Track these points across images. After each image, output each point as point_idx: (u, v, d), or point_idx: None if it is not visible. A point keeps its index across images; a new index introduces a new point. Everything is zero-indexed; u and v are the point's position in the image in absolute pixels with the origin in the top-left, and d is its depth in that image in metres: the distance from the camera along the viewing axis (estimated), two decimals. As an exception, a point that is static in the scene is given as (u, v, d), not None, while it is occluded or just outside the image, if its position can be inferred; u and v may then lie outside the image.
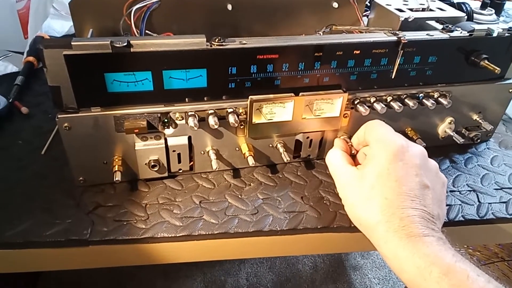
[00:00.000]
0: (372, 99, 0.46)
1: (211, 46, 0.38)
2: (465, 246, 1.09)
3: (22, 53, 0.69)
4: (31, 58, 0.66)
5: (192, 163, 0.45)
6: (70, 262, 0.41)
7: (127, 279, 1.16)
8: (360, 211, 0.37)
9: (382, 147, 0.38)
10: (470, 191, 0.47)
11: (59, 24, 0.77)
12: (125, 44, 0.35)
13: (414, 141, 0.49)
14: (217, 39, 0.38)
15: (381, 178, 0.36)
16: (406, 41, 0.42)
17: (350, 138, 0.45)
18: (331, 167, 0.41)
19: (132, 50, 0.36)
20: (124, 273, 1.17)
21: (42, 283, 1.11)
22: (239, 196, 0.44)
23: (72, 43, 0.35)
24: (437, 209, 0.36)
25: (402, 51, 0.43)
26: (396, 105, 0.46)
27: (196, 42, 0.38)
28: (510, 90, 0.51)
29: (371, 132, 0.40)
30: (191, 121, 0.40)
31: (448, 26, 0.46)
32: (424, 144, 0.48)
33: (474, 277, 0.29)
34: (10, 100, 0.57)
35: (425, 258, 0.31)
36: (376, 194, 0.36)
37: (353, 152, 0.43)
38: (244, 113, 0.43)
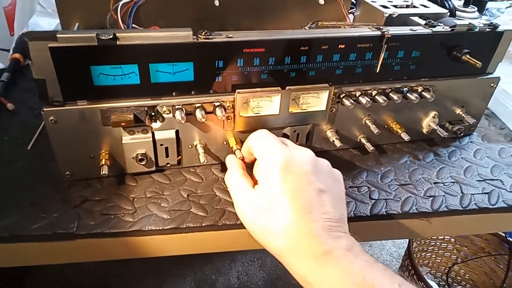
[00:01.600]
0: (358, 93, 0.46)
1: (197, 39, 0.38)
2: (453, 240, 1.11)
3: (8, 50, 0.68)
4: (17, 55, 0.66)
5: (180, 157, 0.46)
6: (57, 256, 0.41)
7: (115, 278, 1.15)
8: (264, 236, 0.35)
9: (268, 163, 0.36)
10: (453, 182, 0.48)
11: (46, 22, 0.77)
12: (111, 36, 0.35)
13: (399, 135, 0.50)
14: (203, 33, 0.39)
15: (276, 198, 0.34)
16: (389, 36, 0.43)
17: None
18: (230, 191, 0.39)
19: (118, 43, 0.36)
20: (112, 273, 1.16)
21: (28, 284, 1.09)
22: (227, 189, 0.44)
23: (58, 35, 0.35)
24: (339, 210, 0.35)
25: (386, 45, 0.44)
26: (380, 99, 0.46)
27: (182, 35, 0.38)
28: (492, 85, 0.52)
29: (255, 148, 0.38)
30: (178, 115, 0.41)
31: (430, 21, 0.47)
32: (409, 137, 0.49)
33: None
34: (-4, 97, 0.56)
35: (334, 281, 0.30)
36: (274, 216, 0.34)
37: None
38: (231, 106, 0.43)
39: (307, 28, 0.53)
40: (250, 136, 0.40)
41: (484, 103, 0.54)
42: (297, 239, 0.32)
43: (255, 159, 0.39)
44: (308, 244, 0.32)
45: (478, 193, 0.47)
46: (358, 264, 0.31)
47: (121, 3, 0.46)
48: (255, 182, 0.38)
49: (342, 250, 0.31)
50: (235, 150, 0.44)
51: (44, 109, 0.38)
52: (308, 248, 0.32)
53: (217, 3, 0.51)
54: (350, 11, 0.59)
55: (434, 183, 0.48)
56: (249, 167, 0.40)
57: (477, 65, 0.46)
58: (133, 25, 0.48)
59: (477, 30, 0.47)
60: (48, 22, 0.77)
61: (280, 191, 0.34)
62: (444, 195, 0.46)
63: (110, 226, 0.39)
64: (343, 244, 0.32)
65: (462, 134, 0.54)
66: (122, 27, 0.47)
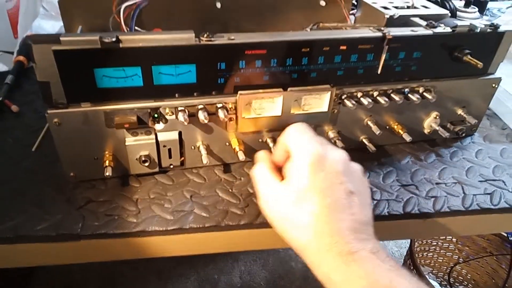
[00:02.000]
0: (359, 94, 0.47)
1: (199, 41, 0.39)
2: (455, 240, 1.11)
3: (12, 53, 0.69)
4: (21, 58, 0.66)
5: (183, 158, 0.46)
6: (61, 257, 0.41)
7: (119, 278, 1.16)
8: (288, 231, 0.34)
9: (301, 158, 0.35)
10: (455, 183, 0.48)
11: (49, 24, 0.77)
12: (114, 39, 0.36)
13: (401, 135, 0.50)
14: (205, 35, 0.39)
15: (304, 193, 0.33)
16: (391, 37, 0.43)
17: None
18: (256, 184, 0.38)
19: (121, 45, 0.36)
20: (116, 272, 1.16)
21: (33, 283, 1.10)
22: (230, 190, 0.45)
23: (61, 38, 0.35)
24: (366, 213, 0.34)
25: (387, 46, 0.44)
26: (382, 100, 0.47)
27: (185, 37, 0.38)
28: (493, 85, 0.52)
29: (290, 141, 0.37)
30: (181, 116, 0.41)
31: (431, 22, 0.47)
32: (411, 138, 0.49)
33: None
34: (1, 99, 0.57)
35: (360, 282, 0.30)
36: (301, 211, 0.33)
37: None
38: (233, 108, 0.43)
39: (309, 30, 0.53)
40: (287, 129, 0.38)
41: (486, 103, 0.54)
42: (323, 236, 0.32)
43: (286, 160, 0.38)
44: (334, 242, 0.31)
45: (480, 194, 0.47)
46: (384, 267, 0.30)
47: (123, 6, 0.47)
48: (282, 178, 0.37)
49: (368, 252, 0.31)
50: (237, 152, 0.45)
51: (48, 112, 0.38)
52: (334, 246, 0.31)
53: (219, 5, 0.51)
54: (351, 12, 0.59)
55: (436, 183, 0.48)
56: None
57: (479, 65, 0.46)
58: (136, 27, 0.48)
59: (478, 30, 0.47)
60: (51, 24, 0.77)
61: (310, 187, 0.33)
62: (446, 196, 0.46)
63: (114, 227, 0.40)
64: (369, 247, 0.32)
65: (463, 134, 0.54)
66: (125, 30, 0.47)
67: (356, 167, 0.38)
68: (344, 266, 0.31)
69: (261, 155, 0.41)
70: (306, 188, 0.34)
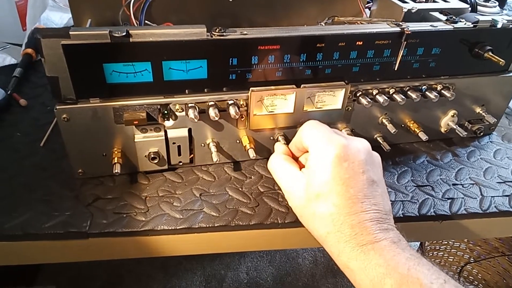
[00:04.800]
0: (375, 91, 0.45)
1: (211, 36, 0.38)
2: (466, 240, 1.09)
3: (20, 45, 0.68)
4: (29, 50, 0.66)
5: (192, 155, 0.45)
6: (69, 254, 0.40)
7: (126, 273, 1.16)
8: (309, 221, 0.35)
9: (323, 150, 0.35)
10: (472, 184, 0.47)
11: (58, 16, 0.76)
12: (124, 34, 0.35)
13: (417, 134, 0.48)
14: (217, 30, 0.38)
15: (327, 184, 0.33)
16: (409, 32, 0.42)
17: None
18: (274, 173, 0.39)
19: (131, 40, 0.35)
20: (123, 267, 1.17)
21: (41, 278, 1.11)
22: (240, 189, 0.44)
23: (70, 33, 0.34)
24: (387, 202, 0.34)
25: (405, 42, 0.42)
26: (399, 98, 0.45)
27: (196, 32, 0.37)
28: (514, 83, 0.50)
29: (307, 138, 0.37)
30: (191, 113, 0.40)
31: (452, 17, 0.45)
32: (427, 137, 0.48)
33: (428, 285, 0.28)
34: (9, 92, 0.56)
35: (378, 269, 0.30)
36: (323, 201, 0.33)
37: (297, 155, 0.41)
38: (245, 105, 0.42)
39: (323, 24, 0.51)
40: (302, 128, 0.38)
41: (506, 102, 0.52)
42: (345, 227, 0.32)
43: (302, 155, 0.39)
44: (356, 233, 0.32)
45: (498, 196, 0.45)
46: (404, 256, 0.30)
47: (133, -2, 0.46)
48: (300, 167, 0.38)
49: (389, 241, 0.31)
50: (248, 149, 0.44)
51: (57, 107, 0.38)
52: (355, 237, 0.31)
53: (230, -2, 0.50)
54: (366, 5, 0.57)
55: (453, 184, 0.46)
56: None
57: (500, 63, 0.44)
58: (146, 21, 0.47)
59: (500, 26, 0.45)
60: (60, 16, 0.76)
61: (333, 177, 0.33)
62: (463, 198, 0.45)
63: (123, 225, 0.39)
64: (390, 237, 0.32)
65: (481, 133, 0.53)
66: (135, 23, 0.46)
67: (377, 156, 0.38)
68: (363, 255, 0.31)
69: (277, 146, 0.42)
70: (329, 178, 0.33)
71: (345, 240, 0.32)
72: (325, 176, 0.34)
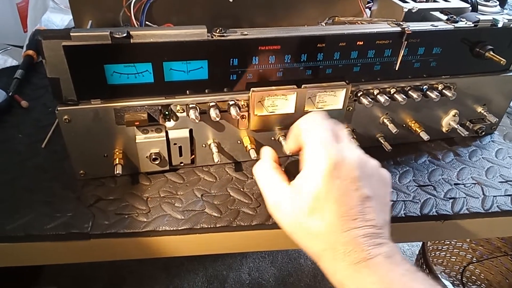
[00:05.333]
0: (376, 91, 0.45)
1: (212, 37, 0.38)
2: (468, 240, 1.09)
3: (21, 47, 0.68)
4: (30, 52, 0.66)
5: (193, 156, 0.45)
6: (71, 255, 0.40)
7: (128, 274, 1.16)
8: (302, 239, 0.33)
9: (316, 162, 0.33)
10: (474, 184, 0.46)
11: (59, 18, 0.77)
12: (124, 35, 0.35)
13: (418, 134, 0.48)
14: (218, 30, 0.38)
15: (318, 201, 0.32)
16: (410, 32, 0.42)
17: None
18: (259, 183, 0.37)
19: (132, 41, 0.35)
20: (125, 268, 1.17)
21: (42, 279, 1.11)
22: (241, 190, 0.44)
23: (71, 34, 0.34)
24: (382, 216, 0.33)
25: (406, 42, 0.42)
26: (400, 97, 0.45)
27: (197, 33, 0.37)
28: (516, 82, 0.50)
29: (307, 135, 0.35)
30: (192, 114, 0.40)
31: (452, 16, 0.45)
32: (428, 137, 0.48)
33: None
34: (10, 94, 0.57)
35: None
36: (315, 219, 0.32)
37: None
38: (245, 105, 0.42)
39: (324, 24, 0.51)
40: (302, 119, 0.36)
41: (507, 101, 0.52)
42: (337, 245, 0.31)
43: (299, 150, 0.36)
44: (349, 250, 0.31)
45: (500, 195, 0.45)
46: (399, 272, 0.30)
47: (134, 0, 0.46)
48: (288, 178, 0.36)
49: (383, 257, 0.30)
50: (249, 150, 0.44)
51: (58, 108, 0.38)
52: (349, 254, 0.31)
53: (231, -1, 0.50)
54: (367, 5, 0.57)
55: (455, 184, 0.46)
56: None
57: (502, 62, 0.44)
58: (146, 22, 0.47)
59: (500, 25, 0.45)
60: (60, 18, 0.77)
61: (324, 195, 0.32)
62: (465, 197, 0.45)
63: (124, 226, 0.39)
64: (384, 251, 0.31)
65: (483, 133, 0.53)
66: (135, 24, 0.46)
67: (374, 164, 0.36)
68: (358, 274, 0.30)
69: (264, 151, 0.39)
70: (320, 196, 0.32)
71: (339, 259, 0.31)
72: (315, 193, 0.32)
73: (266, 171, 0.37)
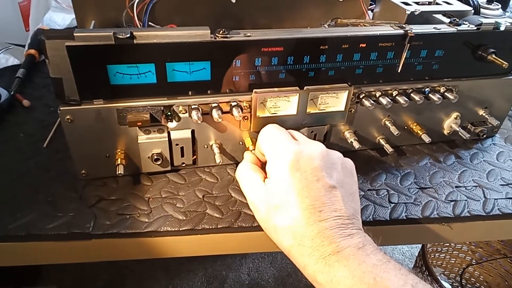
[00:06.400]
0: (378, 93, 0.45)
1: (215, 38, 0.38)
2: (468, 242, 1.09)
3: (23, 46, 0.68)
4: (32, 51, 0.66)
5: (195, 157, 0.45)
6: (72, 255, 0.40)
7: (128, 273, 1.16)
8: (272, 235, 0.34)
9: (276, 159, 0.34)
10: (475, 186, 0.46)
11: (61, 17, 0.77)
12: (128, 35, 0.35)
13: (419, 136, 0.48)
14: (221, 31, 0.38)
15: (282, 195, 0.32)
16: (413, 35, 0.42)
17: None
18: (240, 183, 0.38)
19: (135, 41, 0.36)
20: (125, 268, 1.17)
21: (43, 278, 1.11)
22: (243, 191, 0.44)
23: (75, 34, 0.34)
24: (351, 205, 0.33)
25: (408, 44, 0.42)
26: (402, 100, 0.45)
27: (200, 34, 0.37)
28: (517, 85, 0.50)
29: (263, 145, 0.37)
30: (195, 115, 0.40)
31: (455, 19, 0.45)
32: (430, 139, 0.48)
33: None
34: (12, 93, 0.57)
35: (344, 282, 0.29)
36: (281, 214, 0.32)
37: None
38: (248, 106, 0.42)
39: (326, 26, 0.51)
40: (259, 134, 0.39)
41: (509, 104, 0.52)
42: (305, 239, 0.31)
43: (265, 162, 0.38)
44: (317, 244, 0.30)
45: (501, 198, 0.45)
46: (370, 263, 0.29)
47: (137, 0, 0.46)
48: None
49: (353, 248, 0.30)
50: (250, 151, 0.44)
51: (61, 108, 0.38)
52: (317, 249, 0.30)
53: (233, 0, 0.50)
54: (369, 7, 0.57)
55: (456, 187, 0.46)
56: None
57: (504, 65, 0.44)
58: (149, 22, 0.47)
59: (503, 28, 0.45)
60: (62, 17, 0.77)
61: (287, 189, 0.32)
62: (466, 200, 0.45)
63: (126, 227, 0.39)
64: (354, 243, 0.30)
65: (484, 136, 0.53)
66: (138, 25, 0.46)
67: (336, 155, 0.36)
68: (329, 268, 0.30)
69: (245, 154, 0.41)
70: (283, 190, 0.33)
71: (308, 253, 0.30)
72: (279, 187, 0.33)
73: (245, 171, 0.38)
